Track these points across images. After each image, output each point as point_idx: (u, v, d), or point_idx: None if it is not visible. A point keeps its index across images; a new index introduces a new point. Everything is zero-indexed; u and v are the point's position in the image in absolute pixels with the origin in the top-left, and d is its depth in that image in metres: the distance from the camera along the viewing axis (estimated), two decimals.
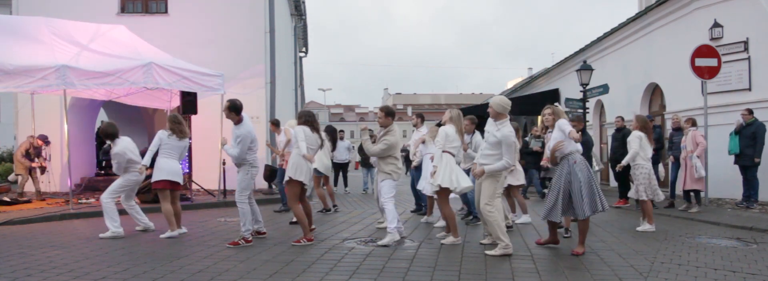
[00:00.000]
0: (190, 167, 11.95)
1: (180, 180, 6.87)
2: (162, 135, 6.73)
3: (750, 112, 9.20)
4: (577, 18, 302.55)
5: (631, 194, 7.74)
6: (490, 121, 5.68)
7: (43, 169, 10.76)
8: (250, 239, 6.07)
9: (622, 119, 10.00)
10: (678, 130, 9.38)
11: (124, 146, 6.75)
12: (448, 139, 6.20)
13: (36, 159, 10.53)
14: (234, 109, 6.11)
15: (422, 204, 8.72)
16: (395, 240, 6.07)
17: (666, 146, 9.99)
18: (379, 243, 6.01)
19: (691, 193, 8.93)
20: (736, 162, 9.29)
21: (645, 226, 7.19)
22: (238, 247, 5.89)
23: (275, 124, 9.80)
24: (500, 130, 5.48)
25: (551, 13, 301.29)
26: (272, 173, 10.04)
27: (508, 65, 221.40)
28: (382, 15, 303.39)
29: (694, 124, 8.97)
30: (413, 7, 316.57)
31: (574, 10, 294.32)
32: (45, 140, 10.74)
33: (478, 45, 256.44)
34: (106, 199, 6.74)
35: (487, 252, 5.50)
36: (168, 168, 6.70)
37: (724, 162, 9.67)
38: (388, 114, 6.38)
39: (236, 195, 6.22)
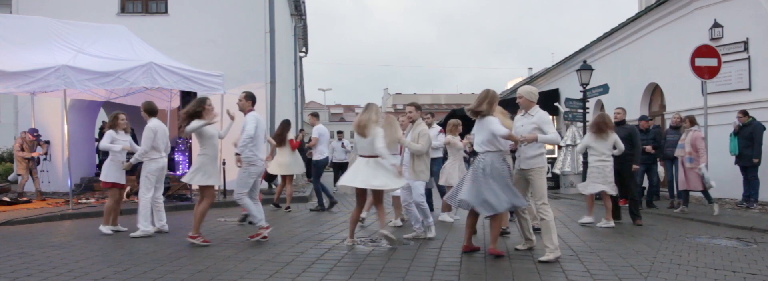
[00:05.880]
0: (189, 166, 11.95)
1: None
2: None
3: (745, 113, 9.18)
4: (566, 7, 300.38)
5: (581, 189, 7.89)
6: (518, 116, 5.66)
7: (37, 161, 10.73)
8: (266, 226, 6.20)
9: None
10: (675, 128, 9.32)
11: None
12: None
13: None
14: (251, 98, 6.37)
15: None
16: (430, 235, 6.33)
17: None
18: (405, 236, 6.32)
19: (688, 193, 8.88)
20: (736, 163, 9.29)
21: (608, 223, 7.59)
22: (238, 247, 5.89)
23: (315, 116, 10.10)
24: (533, 115, 5.44)
25: (540, 4, 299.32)
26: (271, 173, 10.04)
27: (501, 60, 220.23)
28: (359, 7, 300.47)
29: (693, 122, 8.69)
30: None
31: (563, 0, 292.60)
32: (33, 133, 10.63)
33: (466, 38, 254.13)
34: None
35: (541, 258, 5.15)
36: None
37: (724, 162, 9.67)
38: (419, 108, 6.73)
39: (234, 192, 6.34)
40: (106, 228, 6.84)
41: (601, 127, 7.50)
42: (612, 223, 7.57)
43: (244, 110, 6.33)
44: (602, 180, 7.55)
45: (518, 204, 5.39)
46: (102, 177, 6.99)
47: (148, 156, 6.71)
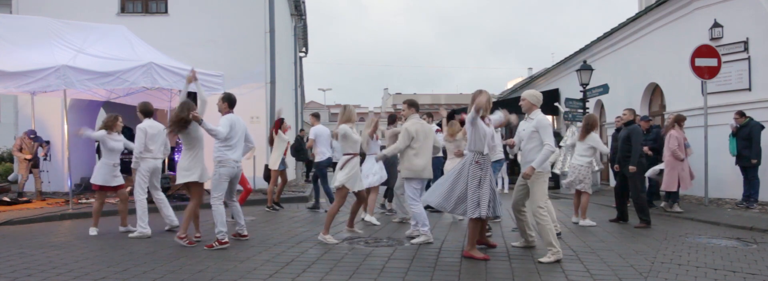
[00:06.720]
0: None
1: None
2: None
3: (741, 114, 9.17)
4: (565, 7, 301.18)
5: (579, 187, 7.87)
6: (522, 123, 5.64)
7: (36, 164, 10.72)
8: (226, 241, 5.85)
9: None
10: None
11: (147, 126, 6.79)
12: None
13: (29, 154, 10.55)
14: (227, 100, 6.23)
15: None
16: (429, 241, 6.13)
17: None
18: (413, 241, 6.14)
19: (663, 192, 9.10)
20: (736, 163, 9.29)
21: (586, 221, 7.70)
22: (238, 247, 5.89)
23: (316, 116, 10.06)
24: (533, 119, 5.39)
25: (539, 4, 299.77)
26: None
27: (501, 60, 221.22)
28: (357, 6, 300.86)
29: (676, 121, 8.72)
30: None
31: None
32: (30, 135, 10.60)
33: (465, 37, 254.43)
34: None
35: (541, 259, 5.15)
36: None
37: (724, 162, 9.67)
38: (411, 105, 6.61)
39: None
40: (93, 230, 6.81)
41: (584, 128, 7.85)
42: (578, 220, 7.78)
43: (221, 112, 6.17)
44: (573, 178, 7.84)
45: (466, 214, 5.29)
46: (91, 180, 6.98)
47: (142, 155, 6.74)
